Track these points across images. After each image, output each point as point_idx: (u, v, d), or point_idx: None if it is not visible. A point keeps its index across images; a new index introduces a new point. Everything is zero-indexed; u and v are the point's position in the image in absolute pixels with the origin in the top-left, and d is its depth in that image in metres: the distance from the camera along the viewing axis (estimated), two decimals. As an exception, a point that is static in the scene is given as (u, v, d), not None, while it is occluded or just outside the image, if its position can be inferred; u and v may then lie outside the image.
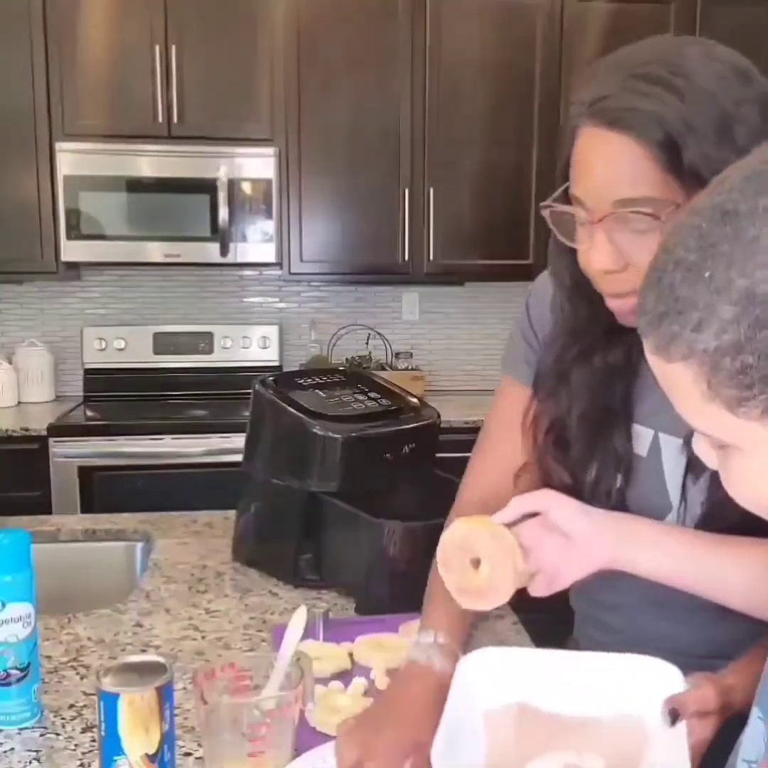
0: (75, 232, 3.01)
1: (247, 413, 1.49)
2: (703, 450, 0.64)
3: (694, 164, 0.82)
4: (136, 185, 3.03)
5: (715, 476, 0.88)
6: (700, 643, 1.05)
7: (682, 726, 0.80)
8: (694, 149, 0.82)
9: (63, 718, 1.02)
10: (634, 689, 0.85)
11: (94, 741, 0.95)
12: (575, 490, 1.04)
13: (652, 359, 0.60)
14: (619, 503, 1.03)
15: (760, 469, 0.58)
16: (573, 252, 0.94)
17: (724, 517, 0.91)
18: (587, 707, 0.85)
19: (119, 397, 3.32)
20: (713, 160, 0.80)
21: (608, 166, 0.86)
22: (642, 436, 1.04)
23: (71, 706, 1.04)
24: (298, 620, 0.94)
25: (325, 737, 0.94)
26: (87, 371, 3.38)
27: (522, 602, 1.03)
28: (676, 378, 0.58)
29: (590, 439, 1.03)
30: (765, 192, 0.54)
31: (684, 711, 0.81)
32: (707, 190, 0.59)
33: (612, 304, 0.94)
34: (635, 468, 1.04)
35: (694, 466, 0.97)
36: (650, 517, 1.00)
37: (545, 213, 0.93)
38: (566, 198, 0.91)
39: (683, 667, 0.91)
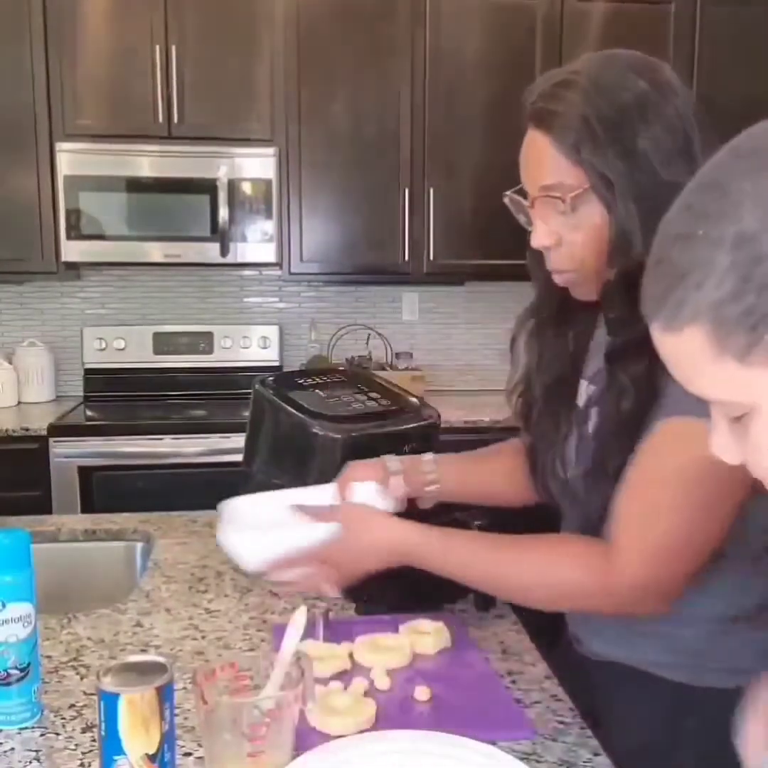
0: (75, 232, 3.01)
1: (246, 413, 1.49)
2: (721, 443, 0.64)
3: (589, 161, 0.98)
4: (136, 185, 3.03)
5: (598, 426, 1.04)
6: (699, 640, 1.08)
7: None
8: (590, 149, 0.98)
9: (63, 718, 1.02)
10: None
11: (94, 741, 0.95)
12: (533, 451, 1.20)
13: (662, 340, 0.62)
14: (561, 452, 1.15)
15: None
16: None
17: (593, 465, 1.04)
18: None
19: (119, 397, 3.32)
20: (608, 161, 0.97)
21: (534, 158, 1.04)
22: (584, 391, 1.14)
23: (71, 706, 1.04)
24: (298, 620, 0.94)
25: (325, 737, 0.94)
26: (87, 371, 3.38)
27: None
28: (686, 348, 0.59)
29: (545, 402, 1.17)
30: (743, 156, 0.59)
31: None
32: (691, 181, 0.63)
33: (557, 279, 1.09)
34: (575, 419, 1.14)
35: (586, 406, 1.10)
36: (573, 464, 1.13)
37: (506, 201, 1.10)
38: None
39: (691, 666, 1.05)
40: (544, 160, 1.01)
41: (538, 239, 1.05)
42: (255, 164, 3.08)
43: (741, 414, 0.60)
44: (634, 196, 0.96)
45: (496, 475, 1.33)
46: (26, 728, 0.99)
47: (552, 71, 1.07)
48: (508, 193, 1.09)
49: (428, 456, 1.30)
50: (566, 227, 1.02)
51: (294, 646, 0.92)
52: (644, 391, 0.98)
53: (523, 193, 1.07)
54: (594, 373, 1.10)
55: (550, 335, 1.17)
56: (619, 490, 1.00)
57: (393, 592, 1.29)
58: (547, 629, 1.26)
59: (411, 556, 1.10)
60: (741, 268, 0.55)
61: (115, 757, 0.82)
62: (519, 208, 1.08)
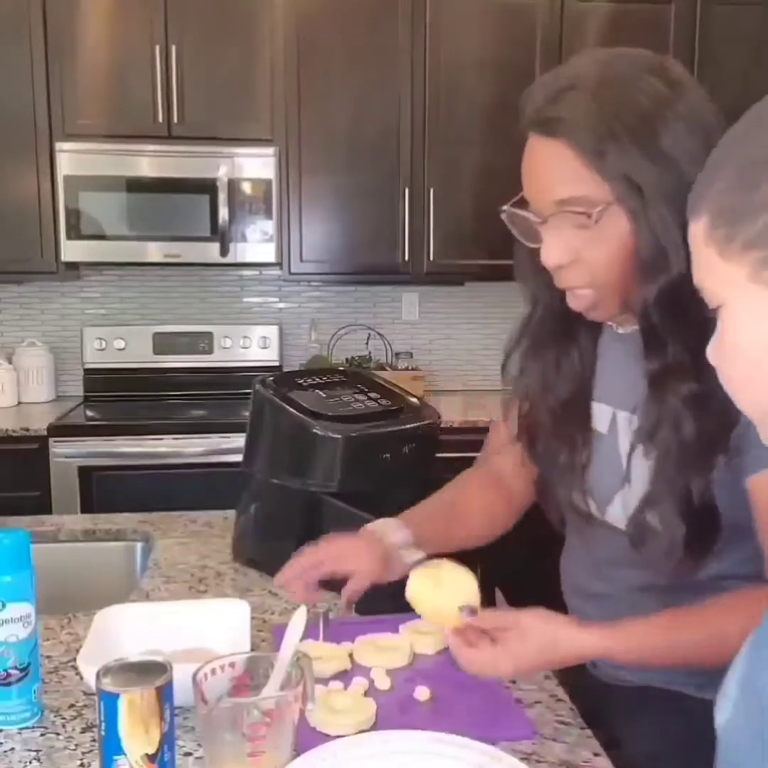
0: (75, 232, 3.01)
1: (247, 413, 1.49)
2: (708, 349, 0.69)
3: (616, 167, 0.90)
4: (136, 185, 3.03)
5: (661, 457, 0.95)
6: None
7: None
8: (616, 154, 0.90)
9: (63, 718, 1.02)
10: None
11: (94, 741, 0.95)
12: (544, 479, 1.13)
13: (689, 231, 0.67)
14: (580, 481, 1.09)
15: (742, 319, 0.63)
16: (532, 251, 1.00)
17: (662, 499, 0.97)
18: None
19: (119, 397, 3.32)
20: (636, 165, 0.89)
21: (546, 170, 0.95)
22: (602, 413, 1.08)
23: (71, 706, 1.04)
24: (298, 620, 0.94)
25: (325, 737, 0.94)
26: (87, 371, 3.38)
27: (520, 601, 1.03)
28: (695, 235, 0.65)
29: (554, 425, 1.10)
30: None
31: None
32: None
33: (570, 300, 1.00)
34: (596, 445, 1.08)
35: (640, 439, 1.01)
36: (603, 494, 1.07)
37: (504, 216, 1.00)
38: (524, 202, 0.99)
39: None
40: (561, 172, 0.92)
41: (551, 258, 0.96)
42: (255, 164, 3.08)
43: (716, 305, 0.65)
44: (666, 203, 0.88)
45: (475, 520, 1.25)
46: (26, 728, 0.99)
47: (550, 74, 0.98)
48: (506, 207, 1.00)
49: (400, 534, 1.17)
50: (585, 243, 0.94)
51: (294, 645, 0.92)
52: (701, 409, 0.92)
53: (522, 205, 0.98)
54: (620, 397, 1.04)
55: (552, 355, 1.09)
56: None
57: (393, 592, 1.29)
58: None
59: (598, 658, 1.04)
60: (743, 167, 0.60)
61: (115, 757, 0.82)
62: (521, 223, 0.99)
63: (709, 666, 1.00)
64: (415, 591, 1.07)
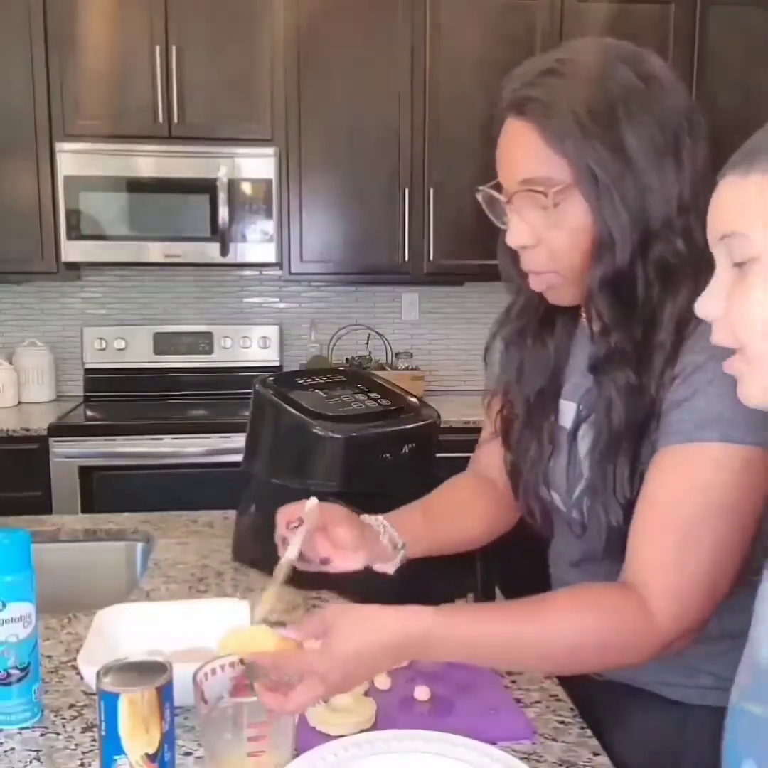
0: (75, 232, 3.01)
1: (247, 413, 1.49)
2: (712, 293, 0.73)
3: (577, 153, 0.91)
4: (136, 185, 3.03)
5: (592, 442, 0.98)
6: None
7: None
8: (578, 141, 0.91)
9: (63, 718, 1.02)
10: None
11: (94, 741, 0.95)
12: (516, 469, 1.14)
13: (726, 188, 0.71)
14: (544, 475, 1.10)
15: None
16: None
17: (596, 485, 0.99)
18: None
19: (119, 397, 3.32)
20: (597, 153, 0.90)
21: (513, 149, 0.99)
22: (567, 410, 1.08)
23: (71, 705, 1.04)
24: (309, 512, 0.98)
25: (325, 737, 0.94)
26: (87, 371, 3.38)
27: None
28: (745, 191, 0.70)
29: (527, 416, 1.10)
30: None
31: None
32: None
33: (532, 282, 1.02)
34: (560, 441, 1.09)
35: (577, 422, 1.03)
36: (566, 489, 1.08)
37: (479, 196, 1.04)
38: (500, 184, 1.02)
39: None
40: (526, 151, 0.95)
41: (515, 237, 0.98)
42: (255, 164, 3.08)
43: (745, 259, 0.69)
44: (621, 194, 0.90)
45: (462, 520, 1.22)
46: (26, 728, 1.00)
47: (534, 58, 0.99)
48: (482, 187, 1.03)
49: (381, 523, 1.12)
50: (546, 225, 0.95)
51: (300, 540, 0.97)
52: (633, 401, 0.94)
53: (498, 189, 1.01)
54: (581, 394, 1.04)
55: (529, 344, 1.11)
56: (640, 524, 0.92)
57: (391, 591, 1.29)
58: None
59: (412, 651, 0.90)
60: None
61: (116, 757, 0.82)
62: (492, 204, 1.03)
63: (536, 668, 1.03)
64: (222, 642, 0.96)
